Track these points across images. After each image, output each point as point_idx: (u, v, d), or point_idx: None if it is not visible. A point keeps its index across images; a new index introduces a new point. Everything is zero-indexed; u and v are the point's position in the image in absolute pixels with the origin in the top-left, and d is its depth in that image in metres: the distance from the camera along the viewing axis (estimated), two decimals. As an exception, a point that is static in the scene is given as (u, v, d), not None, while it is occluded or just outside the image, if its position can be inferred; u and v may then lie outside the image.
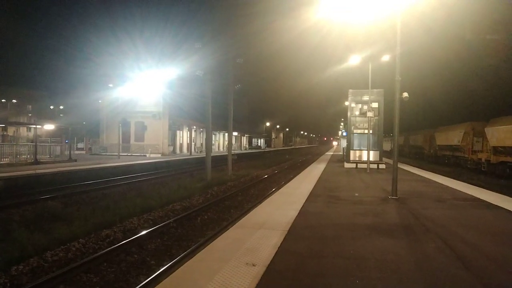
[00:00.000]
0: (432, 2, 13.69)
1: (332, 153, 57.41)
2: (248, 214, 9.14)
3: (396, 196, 11.36)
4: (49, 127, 33.61)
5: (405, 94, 12.05)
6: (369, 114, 21.74)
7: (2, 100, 57.99)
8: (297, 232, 7.05)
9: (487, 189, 14.41)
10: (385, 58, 20.23)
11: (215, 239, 6.91)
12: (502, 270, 5.19)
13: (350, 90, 25.69)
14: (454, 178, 18.90)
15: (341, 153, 43.88)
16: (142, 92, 41.38)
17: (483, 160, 28.33)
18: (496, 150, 25.75)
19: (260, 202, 12.20)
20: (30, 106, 67.22)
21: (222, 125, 43.63)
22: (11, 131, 47.49)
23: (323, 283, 4.66)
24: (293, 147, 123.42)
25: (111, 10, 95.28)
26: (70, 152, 28.68)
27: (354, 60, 21.57)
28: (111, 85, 42.39)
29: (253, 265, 5.14)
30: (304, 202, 10.35)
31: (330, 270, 5.05)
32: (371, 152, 22.63)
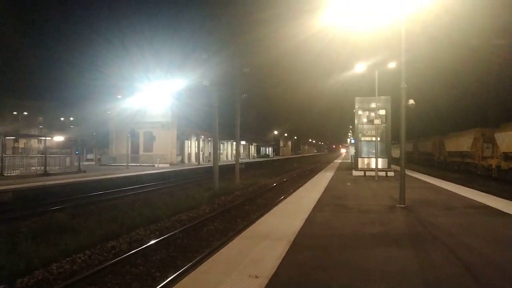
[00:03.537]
0: (436, 9, 13.65)
1: (340, 161, 57.11)
2: (254, 224, 9.10)
3: (404, 205, 11.21)
4: (58, 138, 33.88)
5: (411, 101, 11.95)
6: (377, 121, 21.62)
7: (14, 113, 58.88)
8: (302, 242, 6.98)
9: (497, 196, 14.14)
10: (391, 65, 20.13)
11: (219, 250, 6.87)
12: None
13: (357, 98, 25.56)
14: (464, 185, 18.61)
15: (349, 160, 43.61)
16: (151, 102, 41.67)
17: (493, 166, 27.92)
18: (506, 156, 25.35)
19: (266, 212, 12.11)
20: (41, 118, 68.05)
21: (229, 134, 43.73)
22: (22, 143, 48.13)
23: (327, 295, 4.58)
24: (301, 155, 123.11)
25: (120, 22, 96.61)
26: (79, 163, 28.90)
27: (359, 68, 21.51)
28: (120, 96, 42.75)
29: (256, 277, 5.08)
30: (311, 211, 10.26)
31: (334, 282, 4.96)
32: (380, 160, 22.44)
